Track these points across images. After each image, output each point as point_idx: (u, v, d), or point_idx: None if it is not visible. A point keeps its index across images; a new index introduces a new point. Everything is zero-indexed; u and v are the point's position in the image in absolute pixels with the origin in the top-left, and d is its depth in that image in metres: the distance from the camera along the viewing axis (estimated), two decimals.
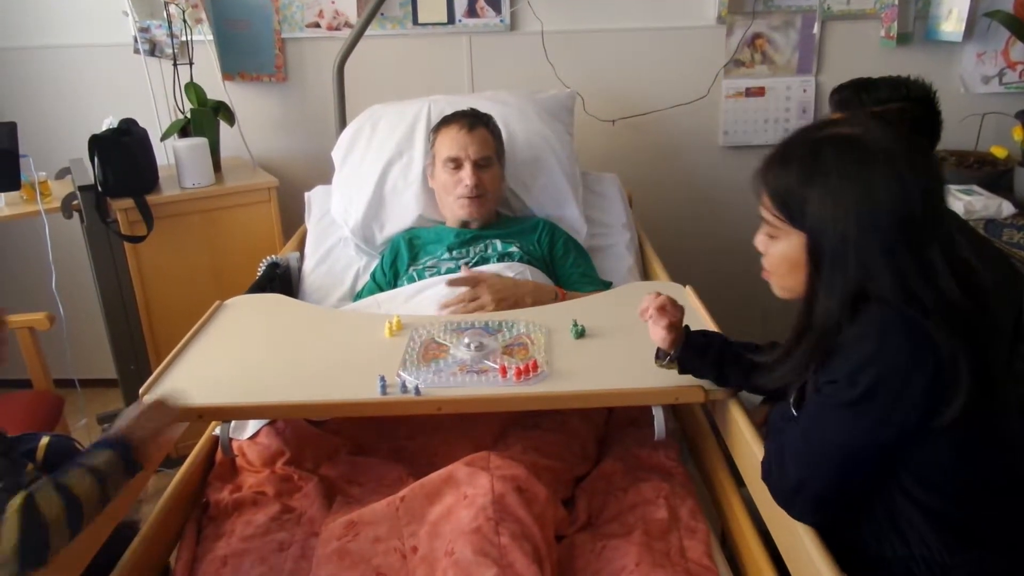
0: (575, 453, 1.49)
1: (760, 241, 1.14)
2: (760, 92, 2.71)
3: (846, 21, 2.64)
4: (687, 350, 1.31)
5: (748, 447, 1.23)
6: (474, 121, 2.01)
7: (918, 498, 1.01)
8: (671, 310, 1.29)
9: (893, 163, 0.99)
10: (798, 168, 1.04)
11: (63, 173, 2.55)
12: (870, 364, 0.96)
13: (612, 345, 1.53)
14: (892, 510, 1.03)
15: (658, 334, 1.29)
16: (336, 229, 2.23)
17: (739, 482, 1.36)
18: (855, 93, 1.55)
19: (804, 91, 2.71)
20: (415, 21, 2.63)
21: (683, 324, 1.32)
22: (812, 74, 2.69)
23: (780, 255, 1.09)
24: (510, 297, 1.74)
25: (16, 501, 1.05)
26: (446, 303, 1.73)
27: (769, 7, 2.61)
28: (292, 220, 2.54)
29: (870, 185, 0.99)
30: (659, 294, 1.31)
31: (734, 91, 2.70)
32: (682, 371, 1.33)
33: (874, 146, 1.00)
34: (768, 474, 1.09)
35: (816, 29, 2.63)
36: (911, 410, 0.96)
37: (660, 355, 1.34)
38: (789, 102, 2.72)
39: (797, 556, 1.07)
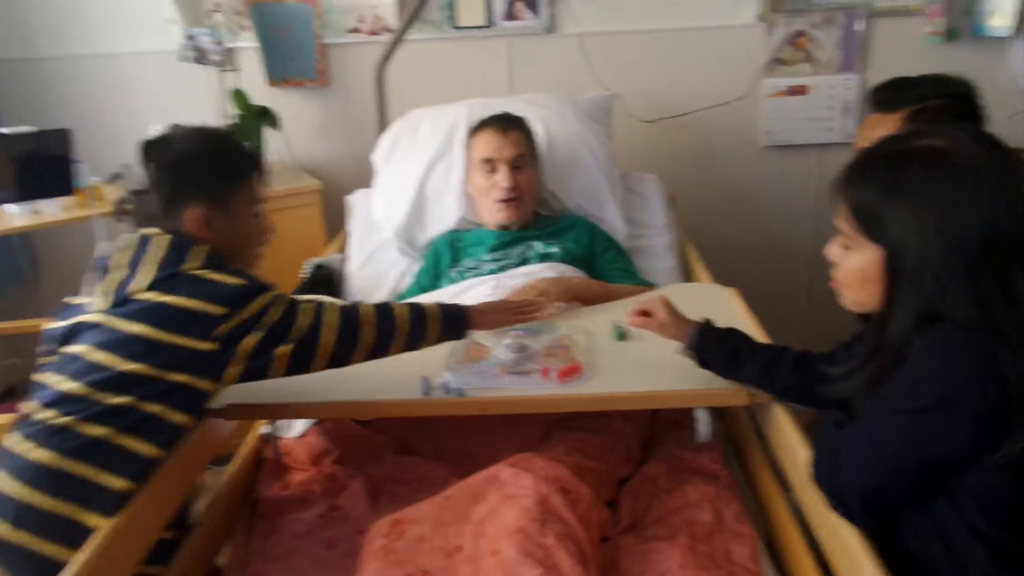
0: (619, 455, 1.49)
1: (833, 251, 1.10)
2: (802, 91, 2.67)
3: (891, 17, 2.60)
4: (702, 339, 1.33)
5: (794, 451, 1.22)
6: (507, 124, 2.02)
7: (976, 524, 0.98)
8: (651, 316, 1.37)
9: (981, 181, 0.94)
10: (881, 181, 1.00)
11: (114, 178, 2.62)
12: (934, 382, 0.94)
13: (653, 347, 1.51)
14: (947, 534, 1.00)
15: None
16: (379, 231, 2.26)
17: (784, 486, 1.35)
18: (894, 92, 1.53)
19: (848, 89, 2.67)
20: (454, 24, 2.65)
21: (684, 317, 1.37)
22: (856, 72, 2.65)
23: (854, 268, 1.06)
24: (568, 289, 1.74)
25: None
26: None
27: (811, 5, 2.57)
28: (335, 223, 2.57)
29: (956, 204, 0.94)
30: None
31: (776, 90, 2.68)
32: (701, 364, 1.34)
33: (963, 162, 0.96)
34: (818, 475, 1.08)
35: (860, 26, 2.59)
36: (965, 435, 0.93)
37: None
38: (832, 100, 2.68)
39: (845, 562, 1.06)
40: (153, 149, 1.37)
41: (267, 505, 1.46)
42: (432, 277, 2.02)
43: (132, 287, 1.25)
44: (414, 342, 1.37)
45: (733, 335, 1.34)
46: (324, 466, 1.53)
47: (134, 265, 1.28)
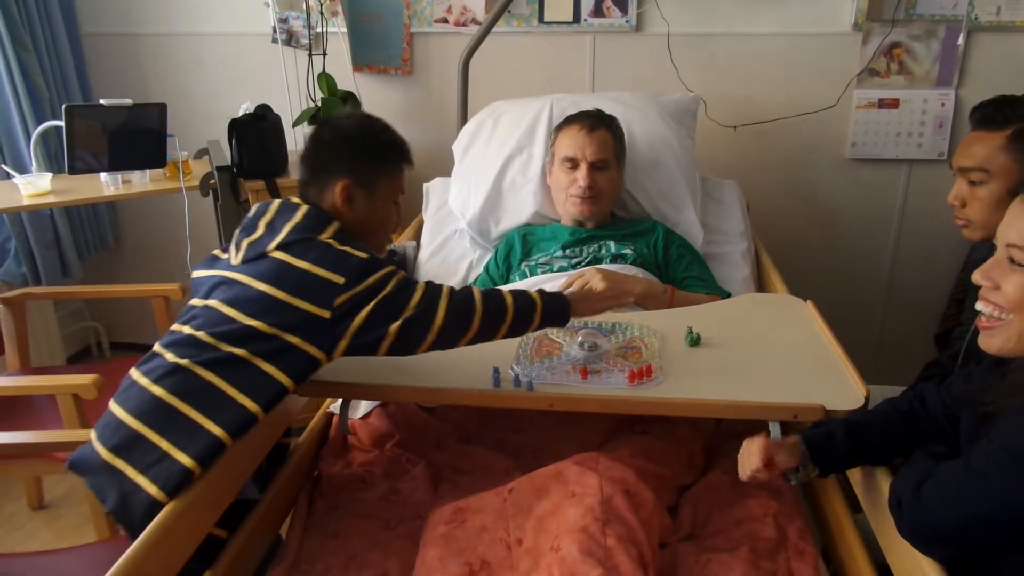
0: (682, 461, 1.47)
1: (995, 272, 0.98)
2: (894, 104, 2.59)
3: (994, 32, 2.49)
4: (815, 454, 1.18)
5: (871, 472, 1.18)
6: (595, 122, 2.00)
7: None
8: (761, 464, 1.17)
9: None
10: None
11: (201, 153, 2.70)
12: None
13: (727, 355, 1.50)
14: None
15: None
16: (452, 221, 2.28)
17: (853, 507, 1.31)
18: (998, 109, 1.48)
19: (942, 105, 2.57)
20: (541, 19, 2.65)
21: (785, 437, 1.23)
22: (952, 87, 2.55)
23: None
24: (618, 281, 1.74)
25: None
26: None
27: (910, 15, 2.49)
28: (410, 210, 2.60)
29: None
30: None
31: (866, 101, 2.59)
32: (824, 472, 1.21)
33: None
34: (898, 505, 1.04)
35: (961, 40, 2.49)
36: None
37: (787, 476, 1.20)
38: (925, 116, 2.59)
39: None
40: (319, 124, 1.48)
41: (329, 482, 1.49)
42: (502, 269, 2.02)
43: (265, 246, 1.31)
44: (517, 331, 1.38)
45: (835, 434, 1.18)
46: (386, 449, 1.55)
47: (272, 227, 1.34)
